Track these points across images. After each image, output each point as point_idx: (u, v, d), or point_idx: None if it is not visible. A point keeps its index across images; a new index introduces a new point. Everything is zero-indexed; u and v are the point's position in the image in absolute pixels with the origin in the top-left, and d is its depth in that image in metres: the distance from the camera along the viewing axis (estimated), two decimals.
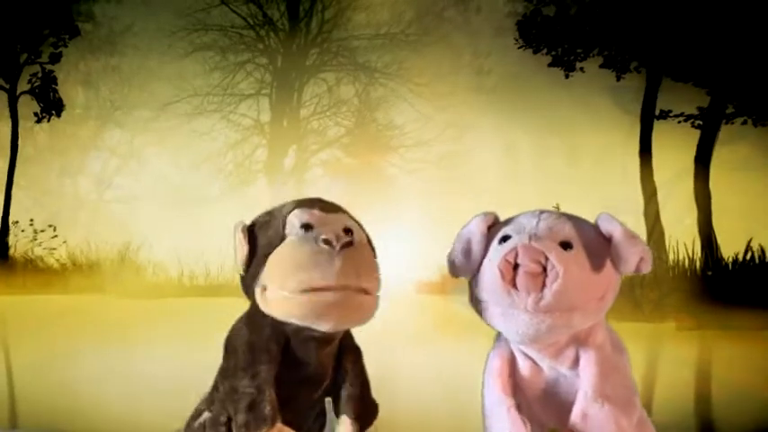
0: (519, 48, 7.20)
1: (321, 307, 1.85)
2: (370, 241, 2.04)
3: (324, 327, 1.90)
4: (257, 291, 1.89)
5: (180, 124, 7.85)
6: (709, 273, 6.48)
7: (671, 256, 6.94)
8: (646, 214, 7.28)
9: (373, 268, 1.96)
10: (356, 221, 2.01)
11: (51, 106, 7.67)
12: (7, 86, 7.58)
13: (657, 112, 7.31)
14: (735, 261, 6.78)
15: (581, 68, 7.42)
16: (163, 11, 7.84)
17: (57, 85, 7.58)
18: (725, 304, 5.80)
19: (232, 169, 8.15)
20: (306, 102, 8.46)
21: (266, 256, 1.90)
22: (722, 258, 6.91)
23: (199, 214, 7.40)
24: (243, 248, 1.89)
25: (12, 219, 7.64)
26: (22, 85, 7.72)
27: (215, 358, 1.94)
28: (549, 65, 7.36)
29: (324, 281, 1.83)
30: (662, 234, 7.19)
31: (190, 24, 8.04)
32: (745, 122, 7.20)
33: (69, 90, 7.98)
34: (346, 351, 2.13)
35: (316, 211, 1.91)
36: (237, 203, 7.40)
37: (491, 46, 7.78)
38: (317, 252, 1.86)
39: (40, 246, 7.47)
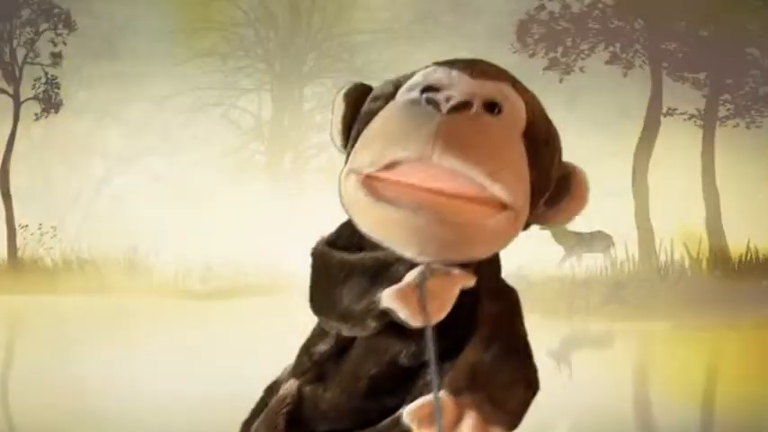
0: (514, 53, 7.17)
1: (388, 217, 1.02)
2: (546, 141, 1.07)
3: (404, 251, 1.04)
4: (342, 176, 1.08)
5: (180, 120, 7.84)
6: (718, 272, 6.47)
7: (675, 256, 6.93)
8: (637, 212, 7.25)
9: (509, 164, 1.01)
10: (530, 106, 1.07)
11: (52, 107, 7.67)
12: (11, 92, 7.58)
13: (664, 110, 7.30)
14: (739, 261, 6.78)
15: (580, 68, 7.40)
16: (163, 6, 7.81)
17: (59, 89, 7.58)
18: (729, 304, 5.79)
19: (233, 163, 8.12)
20: (308, 97, 8.44)
21: (363, 127, 1.10)
22: (730, 257, 6.89)
23: (200, 210, 7.38)
24: (337, 114, 1.12)
25: (12, 219, 7.65)
26: (25, 88, 7.72)
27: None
28: (545, 68, 7.33)
29: (404, 150, 1.00)
30: (652, 234, 7.14)
31: (190, 20, 8.01)
32: (737, 125, 7.20)
33: (70, 90, 7.98)
34: None
35: (456, 72, 1.07)
36: (239, 199, 7.40)
37: (490, 46, 7.77)
38: (411, 114, 1.04)
39: (44, 247, 7.48)
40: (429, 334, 0.93)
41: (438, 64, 1.03)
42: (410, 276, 0.95)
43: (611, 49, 7.46)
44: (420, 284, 0.92)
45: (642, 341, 5.18)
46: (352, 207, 0.98)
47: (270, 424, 1.03)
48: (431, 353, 0.93)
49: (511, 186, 0.95)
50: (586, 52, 7.48)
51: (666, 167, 7.45)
